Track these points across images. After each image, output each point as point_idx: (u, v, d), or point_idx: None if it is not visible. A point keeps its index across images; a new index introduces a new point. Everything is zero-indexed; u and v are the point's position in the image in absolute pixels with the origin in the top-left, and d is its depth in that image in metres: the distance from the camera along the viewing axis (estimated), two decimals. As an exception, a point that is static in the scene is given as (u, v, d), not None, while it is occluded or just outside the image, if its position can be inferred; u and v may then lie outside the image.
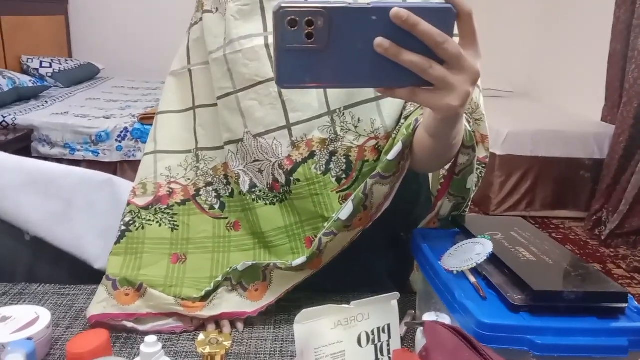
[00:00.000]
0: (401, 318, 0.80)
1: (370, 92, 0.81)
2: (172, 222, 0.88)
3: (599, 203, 3.39)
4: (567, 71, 4.29)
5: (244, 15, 0.82)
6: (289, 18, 0.48)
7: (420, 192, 0.94)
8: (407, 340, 0.76)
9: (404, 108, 0.81)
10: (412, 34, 0.49)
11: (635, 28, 3.28)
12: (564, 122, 3.65)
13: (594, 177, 3.49)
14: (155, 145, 0.92)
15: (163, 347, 0.63)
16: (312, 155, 0.81)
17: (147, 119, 3.00)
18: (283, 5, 0.48)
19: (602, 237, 3.25)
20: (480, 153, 0.83)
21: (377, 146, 0.81)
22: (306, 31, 0.48)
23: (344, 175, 0.81)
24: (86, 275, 0.97)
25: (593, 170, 3.50)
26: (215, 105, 0.87)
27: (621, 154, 3.26)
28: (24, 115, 3.04)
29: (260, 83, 0.82)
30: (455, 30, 0.53)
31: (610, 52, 3.55)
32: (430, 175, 0.93)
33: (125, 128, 3.01)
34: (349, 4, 0.49)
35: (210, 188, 0.89)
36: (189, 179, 0.90)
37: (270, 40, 0.81)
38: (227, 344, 0.58)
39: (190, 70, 0.92)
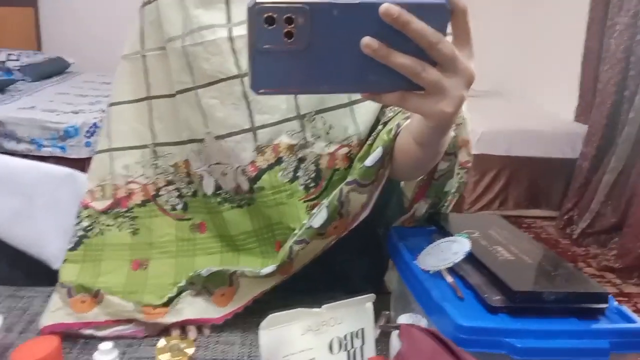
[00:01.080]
0: (375, 320, 0.77)
1: (344, 97, 0.76)
2: (132, 226, 0.83)
3: (570, 202, 3.42)
4: (541, 71, 4.33)
5: (205, 3, 0.76)
6: (265, 15, 0.42)
7: (391, 195, 0.91)
8: (381, 343, 0.73)
9: (383, 113, 0.76)
10: (402, 33, 0.43)
11: (608, 29, 3.32)
12: (537, 122, 3.68)
13: (567, 176, 3.53)
14: (110, 141, 0.85)
15: (123, 353, 0.59)
16: (278, 161, 0.76)
17: (117, 114, 2.92)
18: (259, 0, 0.42)
19: (574, 236, 3.29)
20: (463, 157, 0.80)
21: (349, 154, 0.76)
22: (285, 30, 0.42)
23: (312, 184, 0.77)
24: (44, 276, 0.92)
25: (566, 170, 3.54)
26: (174, 95, 0.81)
27: (594, 153, 3.29)
28: (-12, 109, 2.94)
29: (222, 80, 0.75)
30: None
31: (584, 52, 3.59)
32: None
33: (95, 124, 2.92)
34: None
35: (171, 187, 0.84)
36: (148, 177, 0.84)
37: (234, 32, 0.75)
38: (190, 351, 0.54)
39: (144, 56, 0.84)
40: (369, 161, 0.68)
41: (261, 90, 0.46)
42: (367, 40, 0.43)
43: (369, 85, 0.47)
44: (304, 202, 0.77)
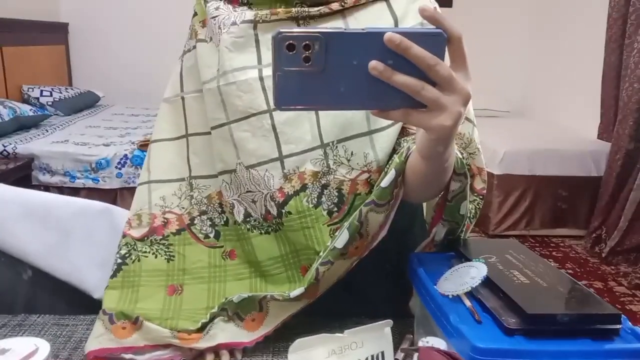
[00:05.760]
0: (400, 343, 0.80)
1: (363, 126, 0.81)
2: (167, 253, 0.88)
3: (597, 220, 3.39)
4: (563, 90, 4.33)
5: (238, 47, 0.83)
6: (287, 43, 0.50)
7: (414, 221, 0.95)
8: (405, 365, 0.76)
9: (399, 144, 0.81)
10: (405, 57, 0.51)
11: (627, 47, 3.32)
12: (560, 141, 3.68)
13: (592, 195, 3.50)
14: (149, 174, 0.92)
15: (161, 377, 0.64)
16: (304, 188, 0.81)
17: (146, 145, 3.02)
18: (282, 30, 0.50)
19: (603, 255, 3.25)
20: (478, 185, 0.83)
21: (369, 179, 0.81)
22: (303, 55, 0.50)
23: (335, 209, 0.81)
24: (85, 305, 0.98)
25: (591, 188, 3.51)
26: (209, 133, 0.88)
27: (618, 171, 3.27)
28: (24, 144, 3.06)
29: (253, 115, 0.82)
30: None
31: (603, 70, 3.60)
32: (425, 205, 0.94)
33: (125, 155, 3.03)
34: (345, 29, 0.51)
35: (204, 217, 0.89)
36: (183, 208, 0.90)
37: (264, 73, 0.82)
38: (225, 373, 0.59)
39: (183, 98, 0.92)
40: (384, 182, 0.74)
41: (283, 107, 0.54)
42: (373, 63, 0.51)
43: (377, 103, 0.55)
44: (328, 225, 0.81)
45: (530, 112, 4.86)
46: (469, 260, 0.78)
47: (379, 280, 0.93)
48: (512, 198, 3.54)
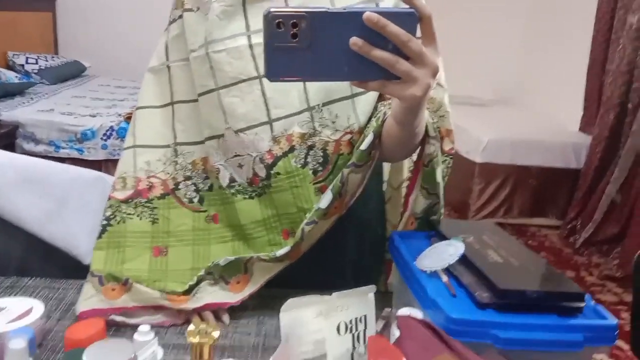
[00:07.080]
0: (380, 315, 0.85)
1: (346, 90, 0.86)
2: (152, 216, 0.91)
3: (574, 212, 3.48)
4: (548, 82, 4.39)
5: (228, 15, 0.86)
6: (276, 21, 0.56)
7: (371, 189, 0.98)
8: (384, 334, 0.81)
9: (376, 109, 0.87)
10: (381, 34, 0.57)
11: (612, 42, 3.39)
12: (543, 132, 3.74)
13: (571, 186, 3.58)
14: (134, 139, 0.94)
15: (152, 339, 0.67)
16: (291, 149, 0.86)
17: (133, 118, 3.01)
18: (272, 10, 0.56)
19: (576, 245, 3.34)
20: (447, 146, 0.89)
21: (351, 140, 0.86)
22: (291, 32, 0.56)
23: (320, 168, 0.86)
24: (76, 270, 1.00)
25: (570, 180, 3.59)
26: (195, 101, 0.91)
27: (597, 164, 3.35)
28: (8, 112, 3.04)
29: (243, 81, 0.85)
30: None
31: (589, 64, 3.65)
32: (388, 170, 1.01)
33: (111, 127, 3.02)
34: (328, 9, 0.57)
35: (189, 182, 0.92)
36: (168, 173, 0.93)
37: (253, 40, 0.85)
38: (216, 334, 0.62)
39: (168, 67, 0.94)
40: (363, 145, 0.81)
41: (273, 79, 0.60)
42: (354, 39, 0.57)
43: (357, 75, 0.61)
44: (314, 184, 0.86)
45: (514, 101, 4.91)
46: (448, 239, 0.82)
47: (343, 250, 0.98)
48: (492, 186, 3.60)
